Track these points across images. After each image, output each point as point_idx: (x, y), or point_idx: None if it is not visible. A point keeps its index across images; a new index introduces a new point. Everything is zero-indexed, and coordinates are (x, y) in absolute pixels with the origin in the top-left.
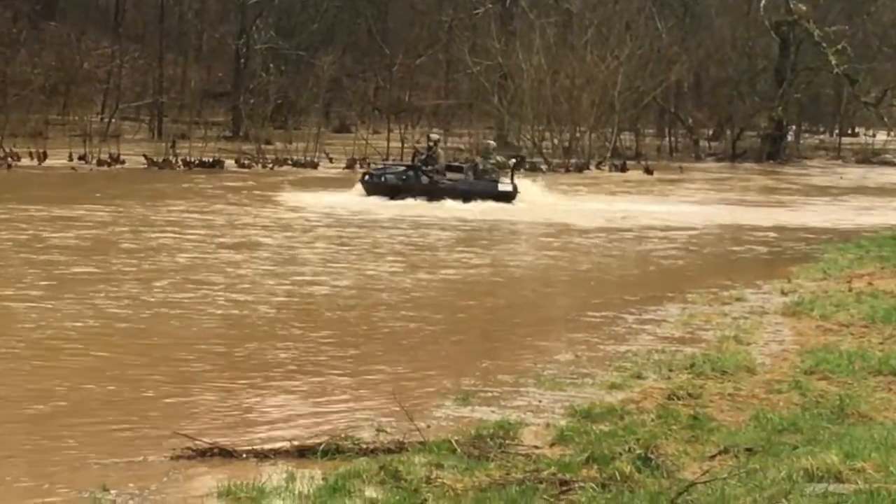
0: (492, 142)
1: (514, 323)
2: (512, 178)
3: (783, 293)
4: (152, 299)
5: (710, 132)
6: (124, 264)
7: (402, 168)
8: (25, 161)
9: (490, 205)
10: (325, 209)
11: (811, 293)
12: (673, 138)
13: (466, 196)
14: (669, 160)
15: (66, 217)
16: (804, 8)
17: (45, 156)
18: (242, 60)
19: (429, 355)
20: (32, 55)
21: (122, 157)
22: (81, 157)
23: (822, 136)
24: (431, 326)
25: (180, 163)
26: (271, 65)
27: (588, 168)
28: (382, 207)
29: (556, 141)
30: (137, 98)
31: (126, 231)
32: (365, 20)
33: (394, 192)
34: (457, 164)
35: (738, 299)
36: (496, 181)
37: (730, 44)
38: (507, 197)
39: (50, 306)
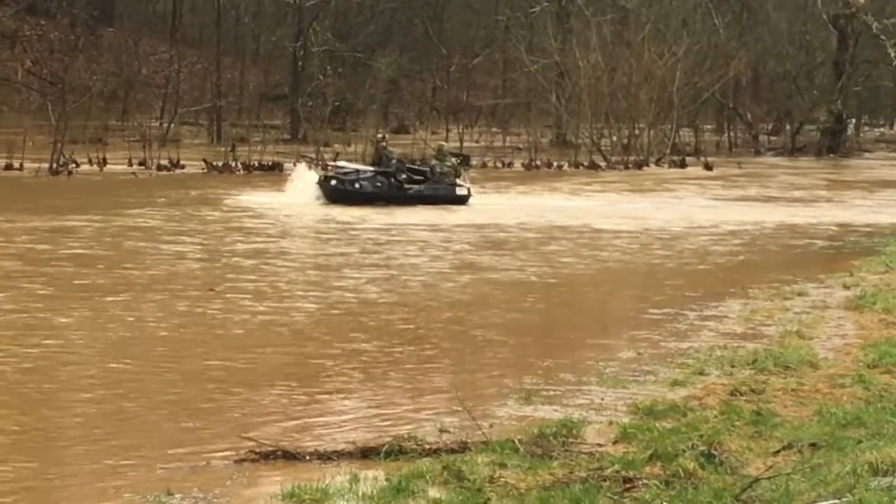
0: (444, 143)
1: (573, 322)
2: (458, 179)
3: (845, 287)
4: (200, 309)
5: (770, 127)
6: (174, 271)
7: (371, 173)
8: (85, 167)
9: (484, 208)
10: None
11: (874, 287)
12: (732, 134)
13: (431, 201)
14: (729, 155)
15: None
16: (862, 1)
17: (105, 161)
18: (300, 63)
19: (489, 355)
20: (91, 61)
21: (181, 162)
22: (141, 163)
23: (882, 129)
24: (489, 327)
25: (240, 166)
26: (328, 67)
27: (647, 165)
28: (372, 213)
29: (614, 138)
30: (196, 102)
31: (176, 236)
32: (421, 21)
33: (367, 199)
34: (419, 167)
35: (799, 294)
36: (454, 184)
37: (787, 38)
38: (464, 200)
39: (97, 315)
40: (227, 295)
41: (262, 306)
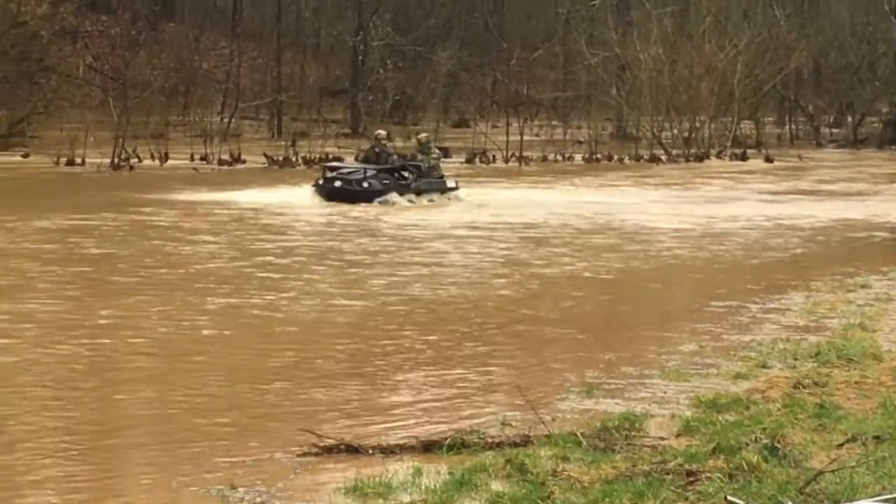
0: (426, 134)
1: (635, 315)
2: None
3: None
4: (240, 308)
5: (831, 119)
6: (205, 270)
7: (374, 171)
8: (147, 162)
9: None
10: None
11: None
12: (793, 126)
13: (425, 194)
14: (790, 148)
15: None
16: None
17: (166, 157)
18: (360, 57)
19: (550, 349)
20: (152, 57)
21: (242, 157)
22: (203, 158)
23: None
24: (547, 322)
25: (300, 161)
26: (389, 61)
27: (708, 157)
28: (387, 211)
29: (675, 131)
30: (256, 97)
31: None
32: (481, 14)
33: (369, 198)
34: (412, 162)
35: (862, 286)
36: (442, 177)
37: (849, 29)
38: (452, 191)
39: (133, 315)
40: (266, 294)
41: (305, 305)
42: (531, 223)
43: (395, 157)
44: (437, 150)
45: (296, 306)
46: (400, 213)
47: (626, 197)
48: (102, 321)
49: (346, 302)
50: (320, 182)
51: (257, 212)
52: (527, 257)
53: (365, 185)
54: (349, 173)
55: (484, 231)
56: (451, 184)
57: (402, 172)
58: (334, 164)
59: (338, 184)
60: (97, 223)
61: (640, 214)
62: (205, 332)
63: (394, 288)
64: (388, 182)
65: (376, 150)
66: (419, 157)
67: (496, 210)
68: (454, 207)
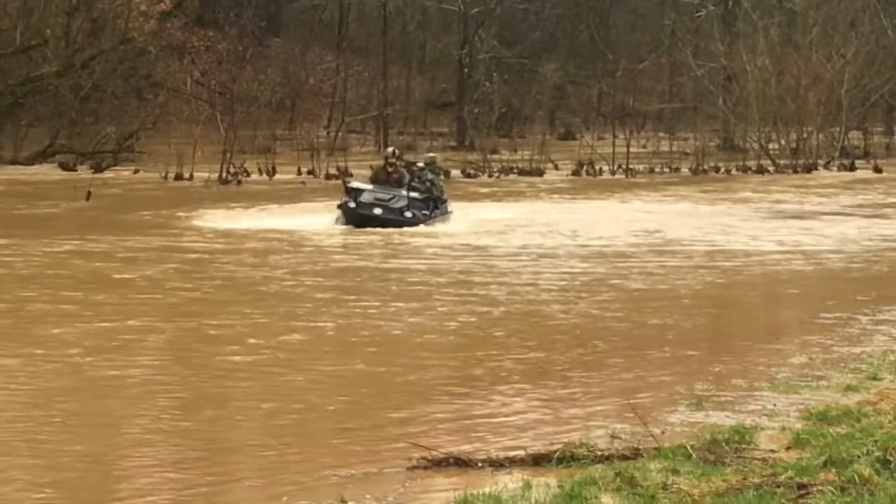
0: (436, 155)
1: (743, 329)
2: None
3: None
4: (325, 325)
5: None
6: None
7: (409, 199)
8: (255, 176)
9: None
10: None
11: None
12: None
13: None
14: None
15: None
16: None
17: (274, 171)
18: (466, 70)
19: (659, 361)
20: (258, 72)
21: (349, 170)
22: (310, 172)
23: None
24: (652, 336)
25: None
26: (495, 74)
27: (816, 168)
28: (429, 234)
29: (782, 142)
30: (362, 111)
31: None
32: (587, 26)
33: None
34: (431, 186)
35: None
36: (446, 202)
37: None
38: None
39: (222, 332)
40: (343, 313)
41: (387, 324)
42: (609, 244)
43: (428, 182)
44: (443, 173)
45: (377, 325)
46: (447, 235)
47: (724, 216)
48: (192, 338)
49: (424, 321)
50: (350, 206)
51: (312, 234)
52: (615, 273)
53: (408, 214)
54: (389, 200)
55: (553, 249)
56: (448, 208)
57: (434, 202)
58: (360, 185)
59: (378, 211)
60: (169, 244)
61: (739, 230)
62: (291, 351)
63: (475, 306)
64: (427, 213)
65: (388, 169)
66: (429, 175)
67: (569, 227)
68: (501, 227)
